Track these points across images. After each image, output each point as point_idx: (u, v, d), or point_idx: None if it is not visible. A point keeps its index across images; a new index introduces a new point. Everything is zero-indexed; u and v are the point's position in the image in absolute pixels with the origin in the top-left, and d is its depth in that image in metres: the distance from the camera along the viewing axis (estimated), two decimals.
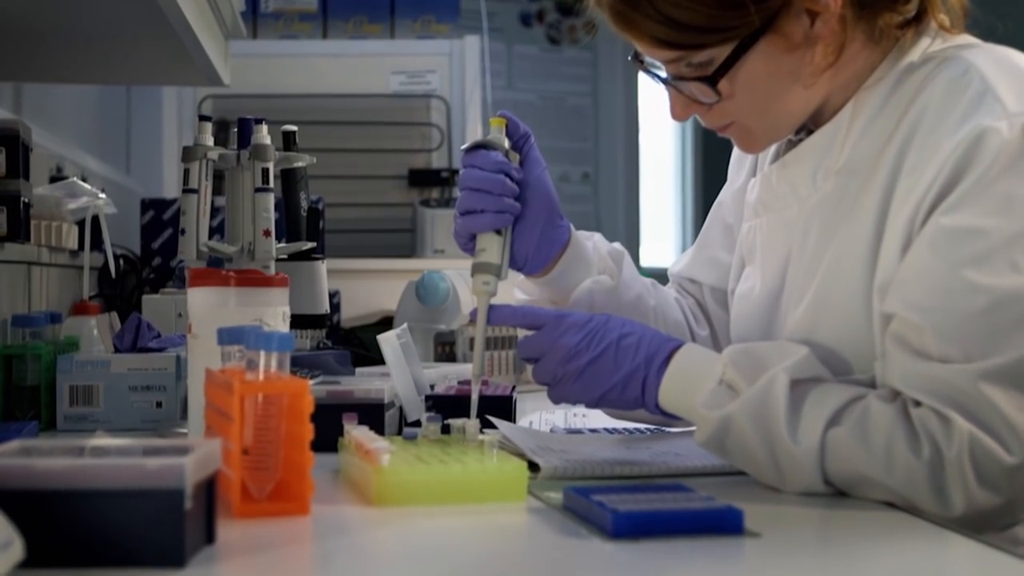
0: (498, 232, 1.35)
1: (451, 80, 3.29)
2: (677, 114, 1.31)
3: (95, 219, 1.97)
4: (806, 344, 1.24)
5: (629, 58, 1.33)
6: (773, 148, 1.41)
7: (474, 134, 3.27)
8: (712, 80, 1.25)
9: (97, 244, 2.09)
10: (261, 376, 1.08)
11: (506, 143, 1.37)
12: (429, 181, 3.27)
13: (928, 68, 1.25)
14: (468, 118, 3.31)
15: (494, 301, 1.34)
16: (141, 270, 2.53)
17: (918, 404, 1.14)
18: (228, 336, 1.18)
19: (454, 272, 2.40)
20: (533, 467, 1.22)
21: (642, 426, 1.54)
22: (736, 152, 1.53)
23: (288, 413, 1.08)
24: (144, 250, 2.58)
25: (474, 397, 1.32)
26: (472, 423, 1.26)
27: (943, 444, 1.11)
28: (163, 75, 2.29)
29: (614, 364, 1.27)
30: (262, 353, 1.08)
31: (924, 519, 1.09)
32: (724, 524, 0.99)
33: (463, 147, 1.39)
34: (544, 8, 6.01)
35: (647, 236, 6.29)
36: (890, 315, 1.18)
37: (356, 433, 1.22)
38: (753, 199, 1.41)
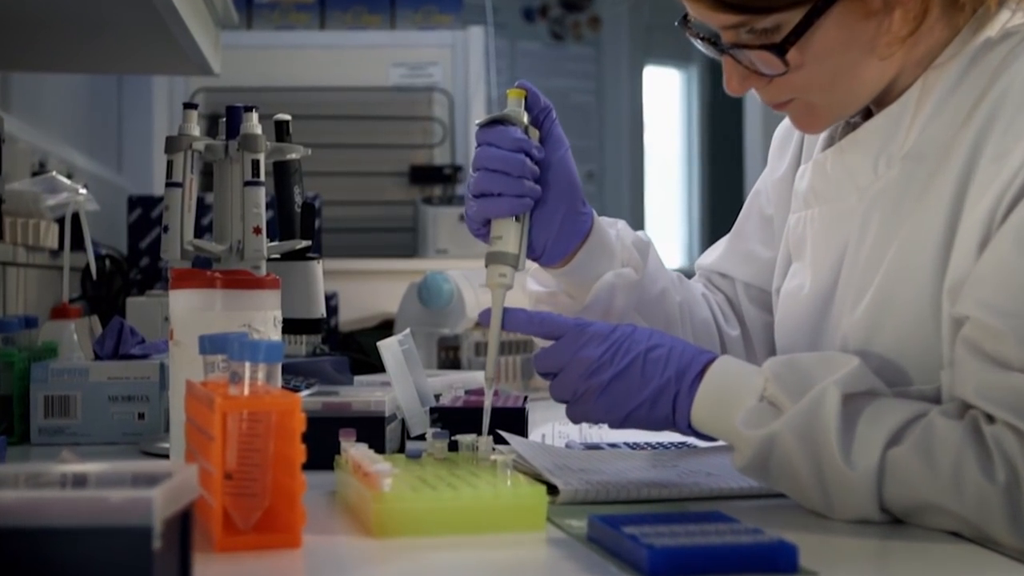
0: (516, 219, 1.21)
1: (454, 73, 3.21)
2: (734, 87, 1.18)
3: (76, 216, 1.84)
4: (863, 351, 1.12)
5: (676, 23, 1.20)
6: (825, 133, 1.28)
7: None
8: (781, 49, 1.12)
9: (79, 243, 1.97)
10: (246, 390, 0.96)
11: (525, 118, 1.23)
12: (431, 178, 3.18)
13: (1009, 45, 1.12)
14: (472, 112, 3.23)
15: (510, 299, 1.21)
16: (128, 271, 2.41)
17: (992, 420, 1.02)
18: (211, 344, 1.06)
19: (458, 273, 2.31)
20: (551, 489, 1.09)
21: (666, 440, 1.42)
22: (778, 136, 1.42)
23: (277, 432, 0.96)
24: (131, 250, 2.46)
25: (487, 405, 1.20)
26: (484, 440, 1.14)
27: (1021, 466, 0.99)
28: (150, 64, 2.18)
29: (641, 379, 1.14)
30: (247, 364, 0.96)
31: (998, 552, 0.97)
32: (776, 561, 0.86)
33: (478, 121, 1.26)
34: (547, 3, 5.93)
35: (652, 236, 6.15)
36: (963, 318, 1.06)
37: (354, 452, 1.09)
38: (804, 188, 1.28)
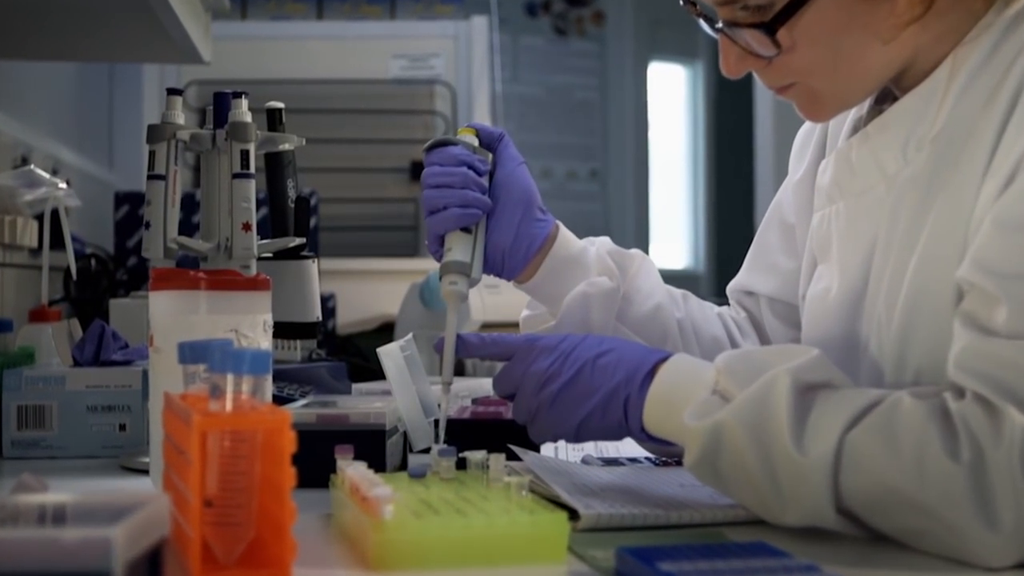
0: (466, 230, 1.22)
1: (456, 65, 3.12)
2: (729, 67, 1.12)
3: (55, 213, 1.73)
4: (900, 358, 1.03)
5: (681, 2, 1.14)
6: (849, 122, 1.19)
7: (483, 120, 3.10)
8: (770, 28, 1.06)
9: (61, 241, 1.86)
10: (229, 405, 0.85)
11: (475, 142, 1.25)
12: None
13: None
14: (475, 105, 3.15)
15: (467, 329, 1.17)
16: (114, 271, 2.29)
17: (962, 395, 0.93)
18: (191, 352, 0.95)
19: None
20: (570, 512, 0.98)
21: None
22: (799, 140, 1.33)
23: (264, 454, 0.85)
24: (118, 249, 2.34)
25: (443, 412, 1.18)
26: (497, 460, 1.03)
27: (987, 442, 0.89)
28: (137, 51, 2.07)
29: (589, 386, 1.08)
30: (230, 376, 0.85)
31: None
32: None
33: (425, 146, 1.26)
34: None
35: (657, 236, 6.16)
36: (965, 286, 0.97)
37: (351, 472, 0.98)
38: (826, 182, 1.18)
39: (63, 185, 1.71)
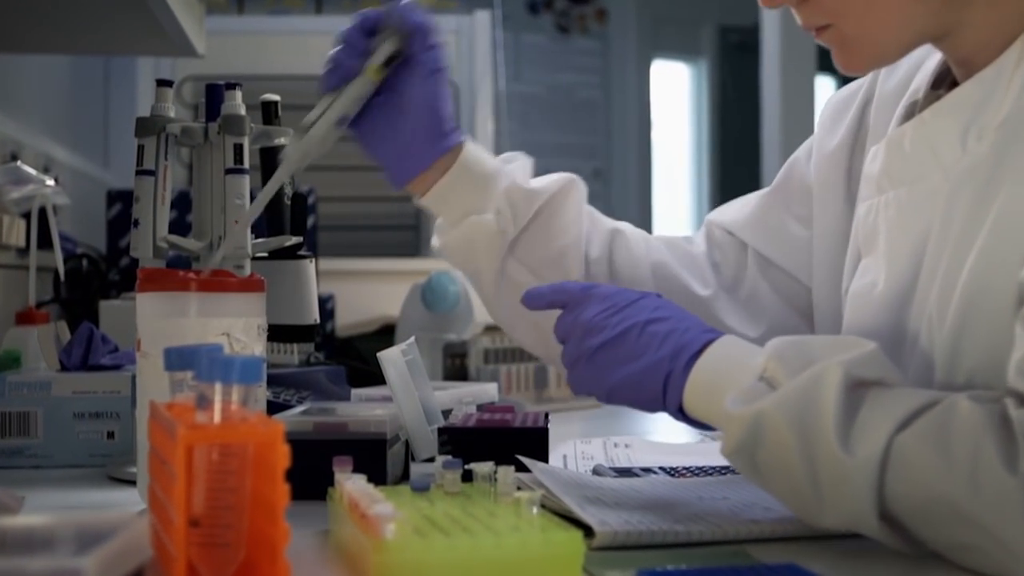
0: (333, 91, 1.20)
1: (459, 60, 3.04)
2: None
3: (43, 211, 1.66)
4: (953, 356, 0.96)
5: None
6: (902, 107, 1.12)
7: (485, 119, 3.04)
8: None
9: (49, 240, 1.79)
10: (217, 417, 0.78)
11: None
12: None
13: None
14: (479, 102, 3.07)
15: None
16: (106, 272, 2.22)
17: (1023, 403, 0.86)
18: (178, 359, 0.89)
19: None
20: (583, 528, 0.92)
21: (709, 464, 1.25)
22: (832, 104, 1.26)
23: (255, 469, 0.79)
24: (110, 249, 2.28)
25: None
26: (506, 473, 0.96)
27: None
28: (129, 44, 2.01)
29: (631, 351, 1.02)
30: (218, 386, 0.78)
31: None
32: None
33: None
34: None
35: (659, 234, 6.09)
36: None
37: (350, 487, 0.92)
38: (876, 171, 1.11)
39: (50, 182, 1.65)
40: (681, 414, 1.01)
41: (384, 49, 1.20)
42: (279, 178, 1.18)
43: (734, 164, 6.06)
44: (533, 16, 5.77)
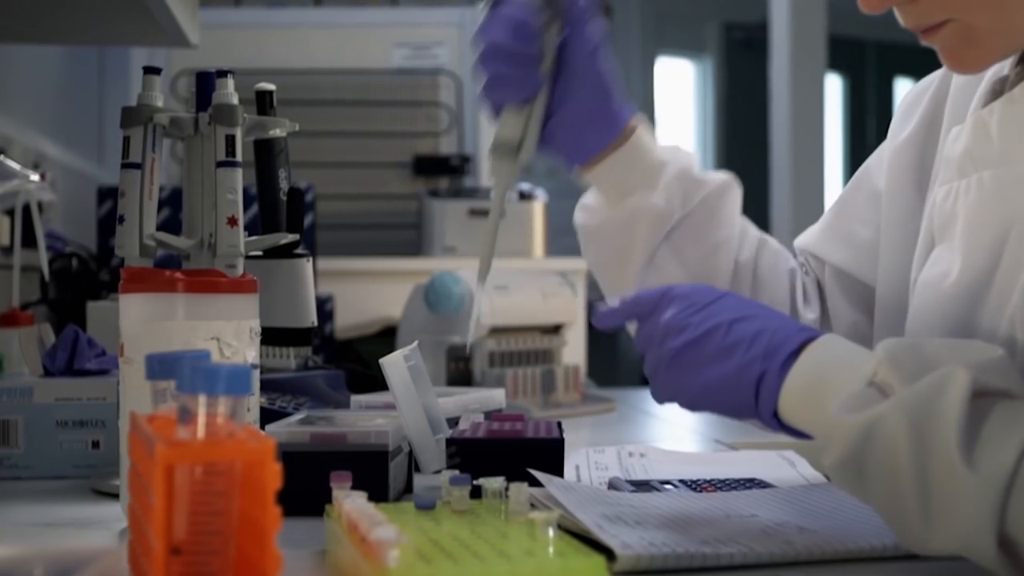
0: (524, 103, 1.14)
1: (462, 54, 2.97)
2: (871, 2, 0.96)
3: (27, 207, 1.59)
4: None
5: None
6: (986, 84, 1.04)
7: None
8: None
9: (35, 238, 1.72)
10: (201, 432, 0.71)
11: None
12: (437, 169, 2.96)
13: None
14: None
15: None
16: (96, 271, 2.15)
17: None
18: (160, 366, 0.82)
19: (469, 273, 2.06)
20: (602, 550, 0.85)
21: (732, 475, 1.17)
22: (907, 101, 1.18)
23: (243, 490, 0.71)
24: (101, 248, 2.20)
25: (475, 311, 1.11)
26: (518, 490, 0.89)
27: None
28: (117, 33, 1.93)
29: (720, 352, 0.93)
30: (202, 398, 0.70)
31: None
32: None
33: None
34: None
35: None
36: None
37: (349, 507, 0.84)
38: (958, 153, 1.02)
39: (35, 177, 1.57)
40: (775, 420, 0.93)
41: (553, 44, 1.14)
42: (498, 201, 1.15)
43: (741, 163, 6.01)
44: None
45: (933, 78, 1.16)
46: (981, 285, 0.96)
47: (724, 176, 1.24)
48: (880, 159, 1.20)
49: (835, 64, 5.00)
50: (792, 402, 0.91)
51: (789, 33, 4.11)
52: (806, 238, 1.29)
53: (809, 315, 1.24)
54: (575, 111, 1.15)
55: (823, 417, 0.87)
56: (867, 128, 7.11)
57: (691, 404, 0.96)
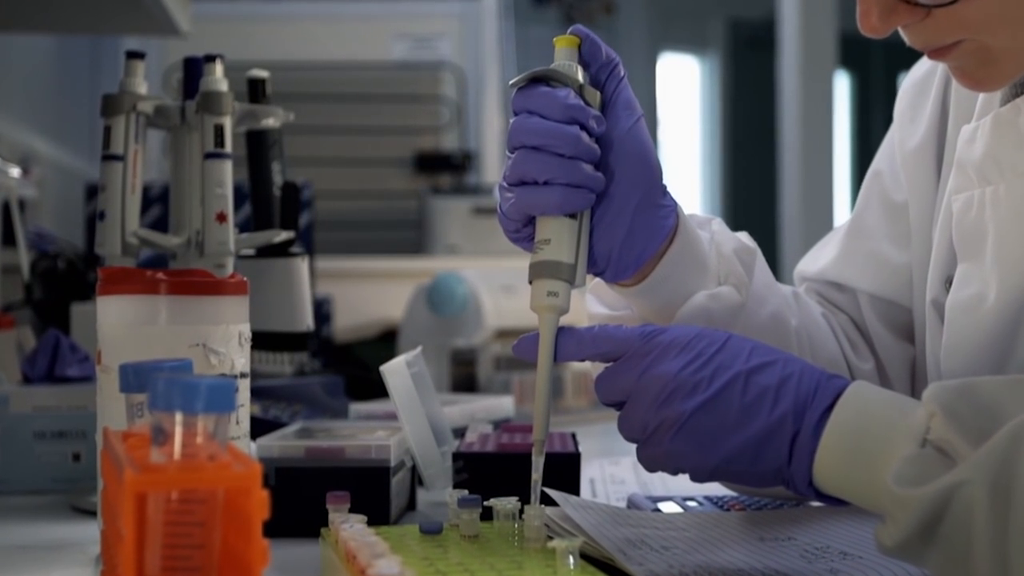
0: (572, 216, 0.88)
1: (464, 46, 2.95)
2: (872, 24, 0.85)
3: (8, 204, 1.51)
4: None
5: None
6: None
7: (491, 109, 2.94)
8: None
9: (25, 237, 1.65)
10: (177, 453, 0.62)
11: (580, 76, 0.88)
12: (439, 166, 2.92)
13: None
14: (485, 91, 2.97)
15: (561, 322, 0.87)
16: (84, 272, 2.06)
17: None
18: (135, 377, 0.74)
19: (473, 273, 2.03)
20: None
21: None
22: (908, 92, 1.08)
23: (226, 520, 0.63)
24: (90, 247, 2.12)
25: (535, 476, 0.85)
26: (535, 513, 0.80)
27: None
28: (105, 22, 1.86)
29: (740, 412, 0.80)
30: (179, 416, 0.62)
31: None
32: None
33: (514, 81, 0.90)
34: None
35: None
36: None
37: (347, 534, 0.76)
38: (977, 156, 0.93)
39: (15, 172, 1.49)
40: (810, 488, 0.81)
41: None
42: (547, 349, 0.85)
43: (746, 159, 5.96)
44: (540, 8, 5.69)
45: (933, 67, 1.06)
46: (1021, 307, 0.87)
47: (746, 235, 1.04)
48: (892, 168, 1.09)
49: (842, 61, 4.95)
50: (830, 468, 0.79)
51: (798, 30, 4.05)
52: (818, 265, 1.13)
53: (864, 366, 1.08)
54: (619, 216, 0.90)
55: (876, 488, 0.76)
56: (873, 125, 7.06)
57: (709, 476, 0.83)
